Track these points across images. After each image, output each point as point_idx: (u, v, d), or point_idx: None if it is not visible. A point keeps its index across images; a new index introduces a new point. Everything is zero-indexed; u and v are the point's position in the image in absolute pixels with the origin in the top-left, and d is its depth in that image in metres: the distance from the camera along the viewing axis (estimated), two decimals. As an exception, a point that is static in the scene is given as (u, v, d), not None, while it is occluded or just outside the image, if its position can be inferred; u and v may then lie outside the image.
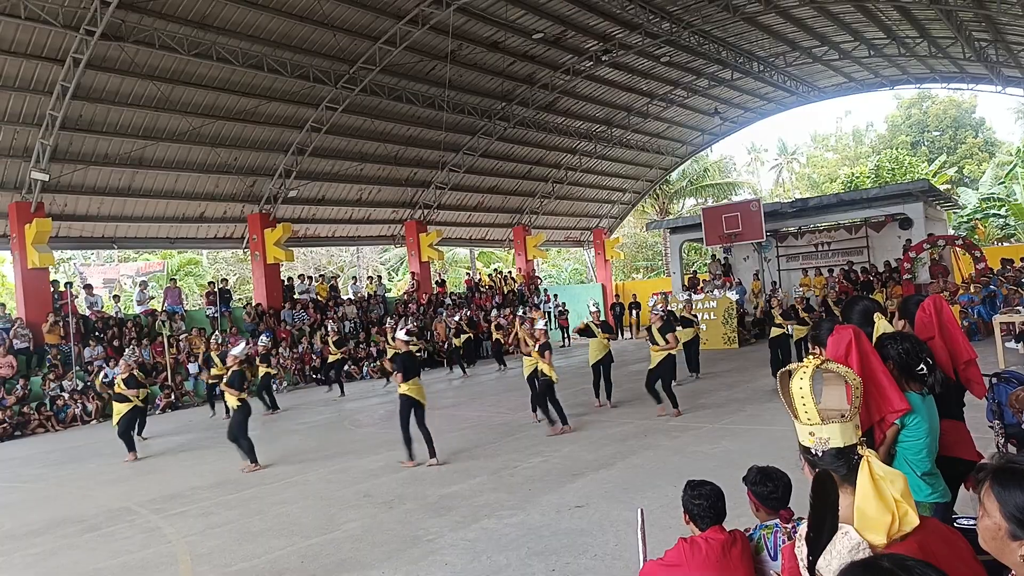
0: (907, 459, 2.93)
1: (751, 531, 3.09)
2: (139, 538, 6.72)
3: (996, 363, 11.00)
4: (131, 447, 10.81)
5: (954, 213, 30.58)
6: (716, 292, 21.97)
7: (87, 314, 18.53)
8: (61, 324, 17.15)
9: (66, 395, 15.82)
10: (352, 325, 22.15)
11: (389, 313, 23.57)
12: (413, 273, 26.67)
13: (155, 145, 18.39)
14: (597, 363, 11.53)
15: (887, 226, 22.92)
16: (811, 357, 2.18)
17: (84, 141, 17.43)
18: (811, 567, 1.87)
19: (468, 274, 32.26)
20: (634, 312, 26.40)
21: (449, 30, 18.40)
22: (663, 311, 11.02)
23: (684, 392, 12.46)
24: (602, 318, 12.28)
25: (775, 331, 12.68)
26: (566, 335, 26.53)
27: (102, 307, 19.46)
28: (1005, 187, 33.03)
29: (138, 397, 11.09)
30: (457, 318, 21.80)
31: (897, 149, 41.60)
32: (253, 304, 21.89)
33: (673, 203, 41.55)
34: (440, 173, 25.67)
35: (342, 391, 16.83)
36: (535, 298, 28.16)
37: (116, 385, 11.11)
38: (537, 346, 10.23)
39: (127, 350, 14.39)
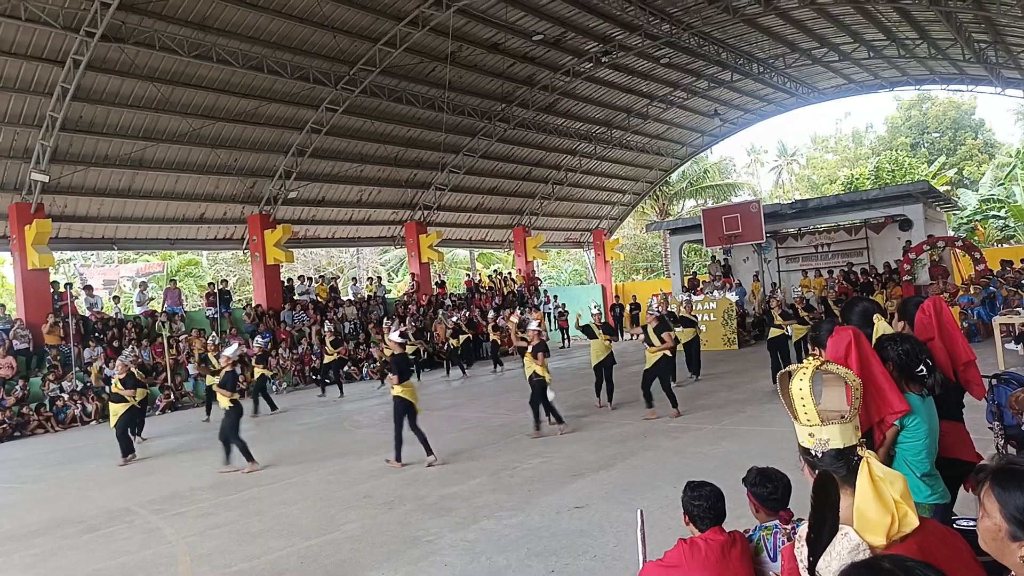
0: (906, 460, 2.93)
1: (751, 532, 3.08)
2: (139, 539, 6.72)
3: (996, 364, 11.00)
4: (126, 451, 10.67)
5: (954, 214, 30.61)
6: (716, 293, 21.97)
7: (87, 315, 18.53)
8: (61, 325, 17.15)
9: (66, 396, 15.82)
10: (352, 326, 22.15)
11: (389, 314, 23.56)
12: (413, 274, 26.67)
13: (155, 146, 18.40)
14: (599, 364, 11.52)
15: (887, 227, 22.93)
16: (811, 358, 2.18)
17: (84, 142, 17.43)
18: (811, 568, 1.87)
19: (468, 275, 32.25)
20: (634, 313, 26.43)
21: (449, 32, 18.41)
22: (658, 310, 11.03)
23: (684, 393, 12.45)
24: (603, 319, 12.25)
25: (774, 332, 12.61)
26: (566, 336, 26.54)
27: (102, 308, 19.45)
28: (1005, 188, 33.06)
29: (135, 397, 11.05)
30: (455, 319, 21.81)
31: (897, 151, 41.64)
32: (253, 305, 21.90)
33: (673, 204, 41.57)
34: (440, 174, 25.68)
35: (341, 391, 16.84)
36: (535, 299, 28.16)
37: (113, 385, 11.04)
38: (530, 347, 10.24)
39: (124, 350, 14.38)
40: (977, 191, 34.74)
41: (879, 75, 27.21)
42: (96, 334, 17.59)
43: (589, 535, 5.61)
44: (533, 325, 10.71)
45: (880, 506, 1.82)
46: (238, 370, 15.64)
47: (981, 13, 17.83)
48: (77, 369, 16.62)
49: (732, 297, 21.35)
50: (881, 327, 3.36)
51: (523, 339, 10.49)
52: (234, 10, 16.10)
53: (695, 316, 16.17)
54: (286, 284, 23.00)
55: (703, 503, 3.11)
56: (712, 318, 20.11)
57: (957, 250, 20.73)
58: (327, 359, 17.33)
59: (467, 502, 6.90)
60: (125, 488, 9.04)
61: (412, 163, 24.63)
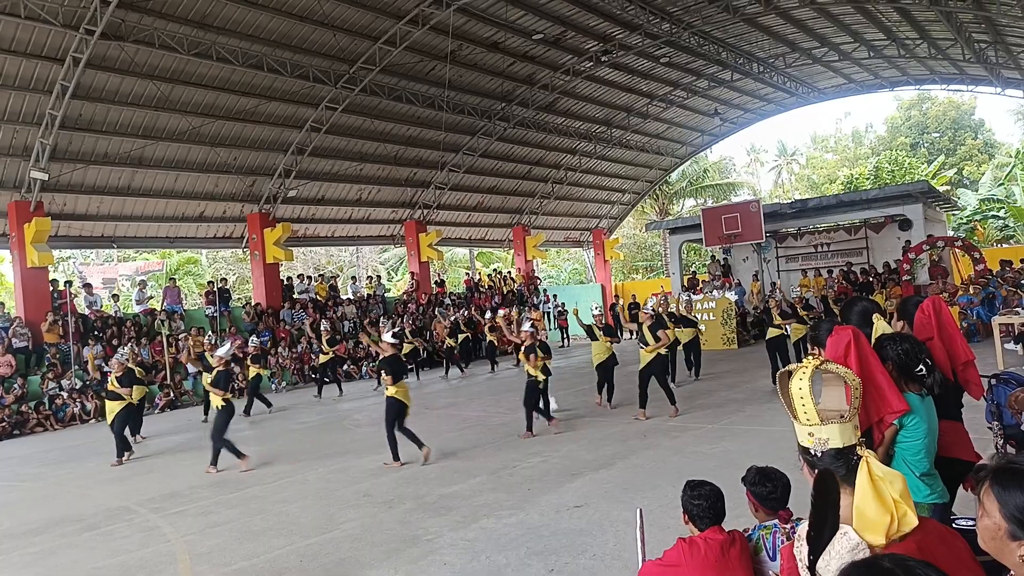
0: (905, 460, 2.93)
1: (750, 531, 3.09)
2: (138, 537, 6.72)
3: (995, 364, 11.01)
4: (121, 451, 10.59)
5: (953, 214, 30.62)
6: (715, 293, 21.98)
7: (86, 313, 18.52)
8: (60, 323, 17.15)
9: (65, 394, 15.81)
10: (351, 325, 22.15)
11: (388, 313, 23.58)
12: (412, 273, 26.68)
13: (155, 144, 18.39)
14: (600, 365, 11.50)
15: (886, 227, 22.94)
16: (810, 358, 2.18)
17: (84, 140, 17.42)
18: (811, 566, 1.87)
19: (467, 274, 32.26)
20: (633, 312, 26.38)
21: (449, 30, 18.40)
22: (653, 309, 11.04)
23: (683, 393, 12.46)
24: (604, 321, 12.19)
25: (772, 332, 12.57)
26: (565, 335, 26.56)
27: (101, 306, 19.45)
28: (1004, 188, 33.08)
29: (131, 396, 11.01)
30: (452, 318, 21.83)
31: (896, 150, 41.65)
32: (252, 304, 21.89)
33: (673, 204, 41.58)
34: (440, 173, 25.67)
35: (340, 390, 16.82)
36: (534, 298, 28.17)
37: (109, 383, 10.99)
38: (523, 348, 10.24)
39: (120, 349, 14.35)
40: (977, 191, 34.76)
41: (879, 75, 27.21)
42: (95, 332, 17.59)
43: (589, 534, 5.62)
44: (527, 326, 10.72)
45: (879, 505, 1.83)
46: (236, 369, 15.74)
47: (981, 13, 17.83)
48: (76, 367, 16.61)
49: (731, 297, 21.37)
50: (880, 327, 3.37)
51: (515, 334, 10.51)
52: (234, 8, 16.09)
53: (695, 316, 16.19)
54: (285, 283, 23.00)
55: (703, 502, 3.12)
56: (711, 317, 20.13)
57: (957, 250, 20.75)
58: (322, 359, 17.27)
59: (467, 501, 6.91)
60: (124, 486, 9.03)
61: (412, 162, 24.63)
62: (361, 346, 21.17)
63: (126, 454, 10.70)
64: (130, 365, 11.87)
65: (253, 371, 15.02)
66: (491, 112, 24.15)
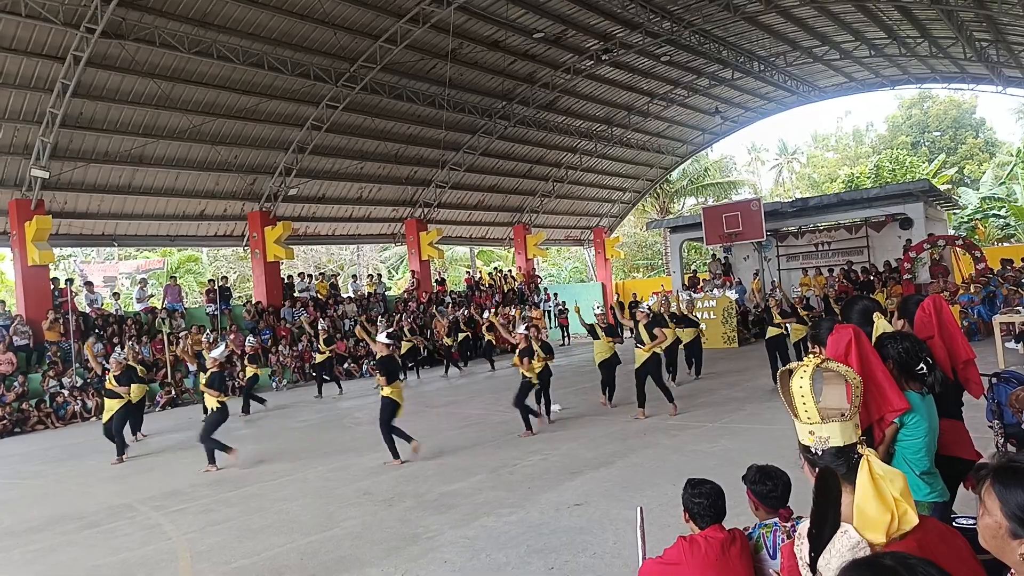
0: (906, 458, 2.93)
1: (750, 530, 3.09)
2: (139, 535, 6.72)
3: (996, 363, 11.00)
4: (122, 450, 10.57)
5: (954, 213, 30.59)
6: (716, 291, 21.98)
7: (87, 311, 18.54)
8: (61, 321, 17.16)
9: (66, 392, 15.82)
10: (352, 323, 22.15)
11: (389, 311, 23.58)
12: (413, 271, 26.67)
13: (155, 143, 18.40)
14: (602, 364, 11.46)
15: (887, 226, 22.92)
16: (811, 356, 2.18)
17: (84, 139, 17.42)
18: (812, 564, 1.87)
19: (468, 273, 32.26)
20: (632, 311, 26.39)
21: (450, 29, 18.39)
22: (650, 308, 11.04)
23: (684, 391, 12.47)
24: (607, 321, 12.16)
25: (772, 331, 12.54)
26: (566, 334, 26.56)
27: (101, 304, 19.46)
28: (1005, 187, 33.04)
29: (129, 394, 10.99)
30: (450, 317, 21.84)
31: (897, 149, 41.61)
32: (253, 302, 21.90)
33: (673, 202, 41.55)
34: (440, 172, 25.67)
35: (340, 388, 16.81)
36: (535, 297, 28.17)
37: (107, 381, 10.98)
38: (518, 351, 10.25)
39: (116, 349, 14.34)
40: (978, 190, 34.71)
41: (880, 73, 27.19)
42: (96, 330, 17.60)
43: (589, 532, 5.62)
44: (521, 328, 10.73)
45: (880, 504, 1.83)
46: (238, 366, 15.74)
47: (982, 12, 17.81)
48: (77, 365, 16.63)
49: (732, 295, 21.36)
50: (881, 325, 3.37)
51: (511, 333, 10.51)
52: (234, 6, 16.08)
53: (696, 316, 16.18)
54: (286, 281, 23.00)
55: (703, 501, 3.12)
56: (712, 316, 20.12)
57: (957, 249, 20.73)
58: (319, 358, 17.26)
59: (467, 499, 6.91)
60: (125, 484, 9.04)
61: (412, 160, 24.62)
62: (362, 344, 21.18)
63: (124, 453, 10.67)
64: (131, 363, 11.88)
65: (250, 371, 15.02)
66: (492, 111, 24.13)
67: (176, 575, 5.63)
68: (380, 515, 6.65)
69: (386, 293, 26.14)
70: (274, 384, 18.98)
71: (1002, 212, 32.26)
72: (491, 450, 9.12)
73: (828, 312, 15.15)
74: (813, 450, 2.00)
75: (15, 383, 15.45)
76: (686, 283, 25.03)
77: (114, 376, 10.80)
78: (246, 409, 14.63)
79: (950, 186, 36.40)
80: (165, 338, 18.05)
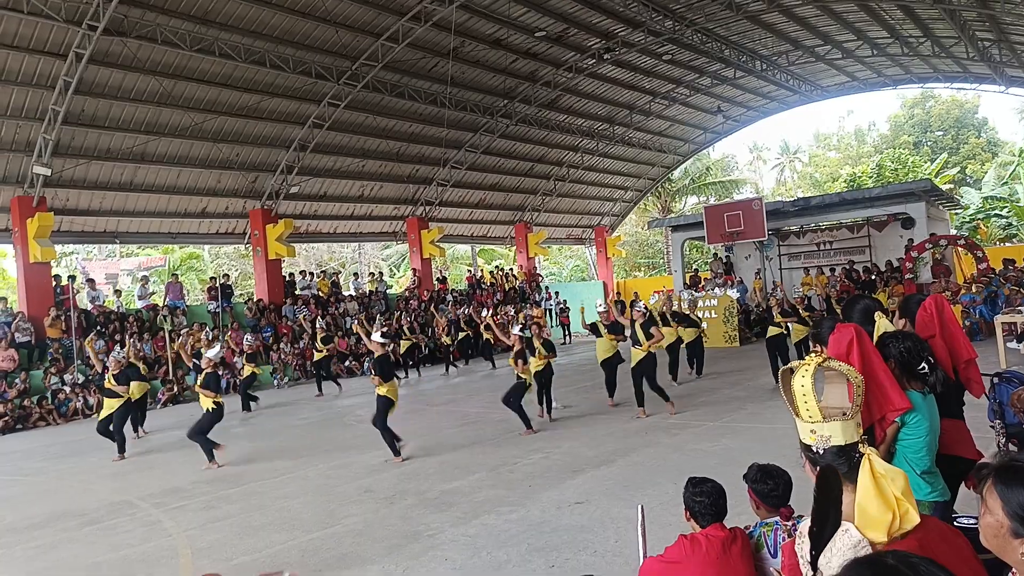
0: (907, 457, 2.93)
1: (751, 528, 3.09)
2: (140, 532, 6.74)
3: (998, 363, 11.00)
4: (123, 447, 10.58)
5: (956, 213, 30.56)
6: (717, 290, 21.97)
7: (89, 308, 18.56)
8: (63, 318, 17.17)
9: (67, 389, 15.84)
10: (356, 321, 22.15)
11: (390, 309, 23.60)
12: (414, 270, 26.68)
13: (157, 140, 18.40)
14: (604, 362, 11.42)
15: (889, 225, 22.91)
16: (813, 355, 2.18)
17: (86, 136, 17.43)
18: (813, 562, 1.87)
19: (469, 271, 32.27)
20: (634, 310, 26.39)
21: (452, 27, 18.38)
22: (646, 308, 11.04)
23: (685, 390, 12.48)
24: (609, 319, 12.12)
25: (772, 331, 12.52)
26: (567, 333, 26.57)
27: (103, 302, 19.49)
28: (1008, 187, 32.99)
29: (128, 393, 10.95)
30: (448, 316, 21.83)
31: (899, 149, 41.55)
32: (254, 299, 21.91)
33: (675, 201, 41.53)
34: (442, 170, 25.66)
35: (339, 386, 16.78)
36: (536, 295, 28.17)
37: (106, 380, 10.96)
38: (513, 352, 10.24)
39: (116, 348, 14.33)
40: (980, 190, 34.66)
41: (882, 73, 27.15)
42: (98, 327, 17.62)
43: (590, 531, 5.62)
44: (516, 329, 10.72)
45: (881, 503, 1.83)
46: (239, 363, 15.74)
47: (985, 11, 17.78)
48: (79, 362, 16.65)
49: (733, 294, 21.35)
50: (883, 325, 3.37)
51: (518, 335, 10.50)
52: (236, 4, 16.07)
53: (698, 315, 16.18)
54: (287, 279, 23.01)
55: (705, 499, 3.12)
56: (713, 315, 20.12)
57: (959, 249, 20.70)
58: (318, 356, 17.25)
59: (468, 497, 6.91)
60: (126, 481, 9.05)
61: (414, 159, 24.61)
62: (363, 342, 21.19)
63: (122, 453, 10.65)
64: (132, 360, 11.89)
65: (248, 369, 15.02)
66: (493, 109, 24.13)
67: (177, 572, 5.64)
68: (381, 513, 6.66)
69: (387, 291, 26.16)
70: (276, 382, 19.01)
71: (1004, 212, 32.22)
72: (492, 448, 9.13)
73: (830, 312, 15.14)
74: (814, 449, 2.00)
75: (17, 380, 15.47)
76: (687, 282, 25.03)
77: (113, 375, 10.78)
78: (246, 407, 14.65)
79: (952, 186, 36.35)
80: (167, 335, 18.07)
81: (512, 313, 22.62)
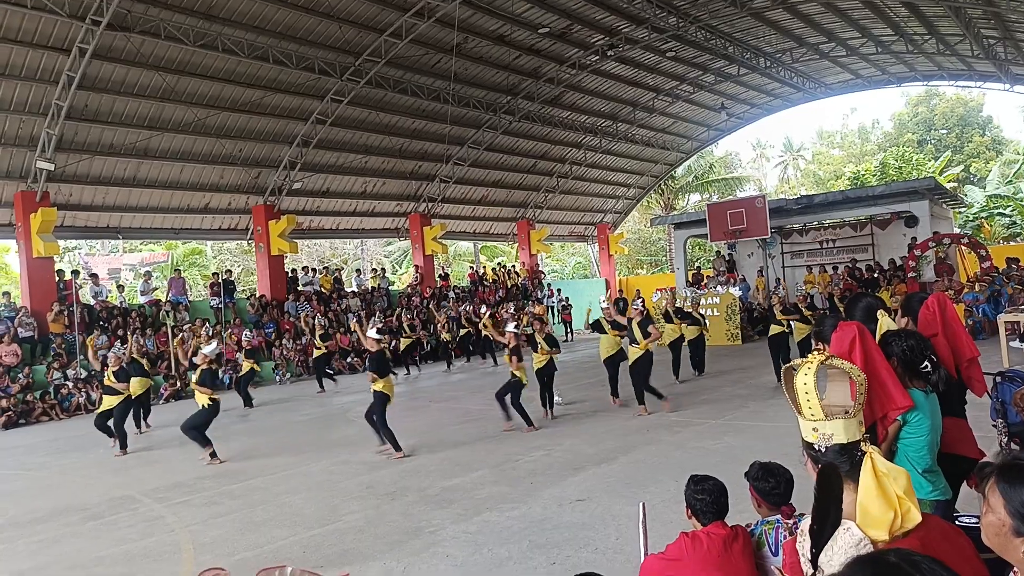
0: (908, 456, 2.92)
1: (752, 527, 3.09)
2: (142, 526, 6.75)
3: (1000, 362, 11.00)
4: (124, 443, 10.59)
5: (960, 211, 30.49)
6: (719, 288, 21.95)
7: (91, 303, 18.59)
8: (65, 313, 17.20)
9: (70, 384, 15.88)
10: (356, 316, 22.16)
11: (393, 306, 23.60)
12: (417, 266, 26.68)
13: (160, 135, 18.40)
14: (608, 359, 11.40)
15: (892, 224, 22.86)
16: (815, 353, 2.17)
17: (89, 131, 17.45)
18: (814, 560, 1.87)
19: (472, 268, 32.28)
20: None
21: (455, 23, 18.35)
22: (642, 306, 11.03)
23: (687, 388, 12.48)
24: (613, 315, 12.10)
25: (775, 329, 12.50)
26: (569, 330, 26.57)
27: (106, 297, 19.52)
28: (1012, 186, 32.92)
29: (128, 390, 10.94)
30: (447, 313, 21.84)
31: (903, 147, 41.44)
32: (257, 295, 21.94)
33: (678, 198, 41.48)
34: (445, 166, 25.65)
35: (321, 385, 16.62)
36: (538, 293, 28.17)
37: (106, 378, 10.95)
38: (507, 349, 10.25)
39: (116, 344, 14.33)
40: (984, 188, 34.57)
41: (887, 70, 27.06)
42: (101, 323, 17.65)
43: (591, 528, 5.63)
44: (510, 327, 10.73)
45: (883, 501, 1.82)
46: (240, 360, 15.75)
47: (990, 9, 17.71)
48: (82, 357, 16.68)
49: (736, 292, 21.33)
50: (885, 323, 3.36)
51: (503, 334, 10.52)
52: (239, 0, 16.08)
53: (701, 313, 16.17)
54: (290, 275, 23.04)
55: (706, 497, 3.11)
56: (716, 313, 20.11)
57: (963, 247, 20.63)
58: (316, 353, 17.24)
59: (469, 494, 6.92)
60: (128, 476, 9.08)
61: (417, 155, 24.61)
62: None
63: (113, 440, 10.66)
64: (135, 356, 11.90)
65: (247, 365, 15.01)
66: (496, 105, 24.10)
67: (179, 567, 5.65)
68: (383, 509, 6.67)
69: (390, 287, 26.18)
70: (278, 378, 19.03)
71: (1008, 211, 32.15)
72: (493, 445, 9.13)
73: (832, 310, 15.11)
74: (817, 447, 2.00)
75: (20, 375, 15.52)
76: (690, 280, 25.01)
77: (113, 372, 10.77)
78: (248, 403, 14.66)
79: (956, 184, 36.26)
80: (169, 331, 18.10)
81: (512, 310, 22.61)
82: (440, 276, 27.65)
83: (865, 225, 23.71)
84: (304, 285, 23.04)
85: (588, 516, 5.92)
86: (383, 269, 28.68)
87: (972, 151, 43.49)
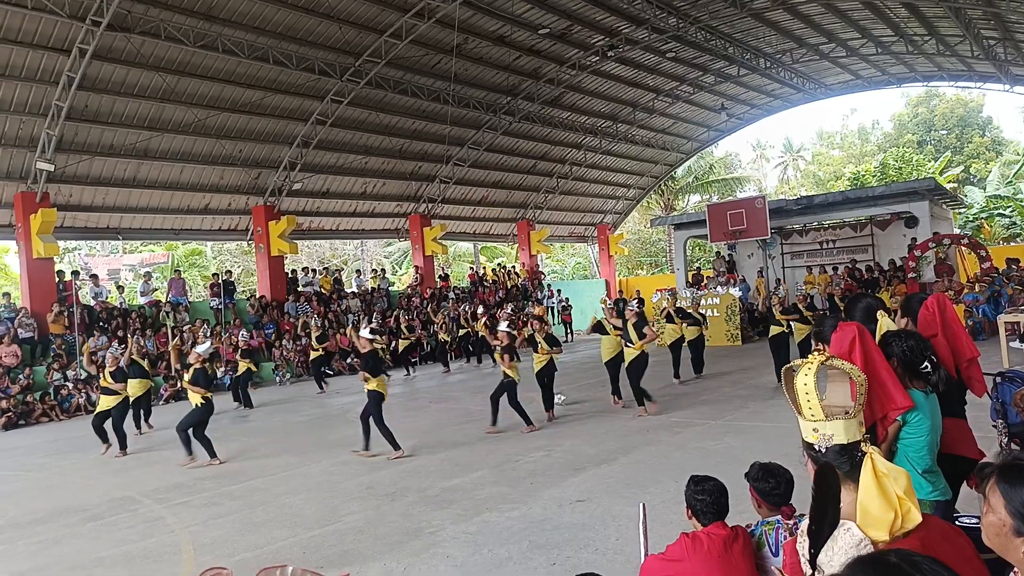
0: (908, 456, 2.92)
1: (753, 527, 3.09)
2: (142, 527, 6.75)
3: (1000, 362, 10.99)
4: (124, 443, 10.58)
5: (960, 212, 30.51)
6: (719, 289, 21.95)
7: (91, 304, 18.59)
8: (65, 314, 17.20)
9: (70, 384, 15.88)
10: (355, 318, 22.16)
11: (393, 306, 23.59)
12: (417, 267, 26.68)
13: (160, 136, 18.41)
14: (609, 361, 11.39)
15: (892, 224, 22.87)
16: (815, 354, 2.18)
17: (89, 132, 17.45)
18: (813, 560, 1.87)
19: (472, 268, 32.28)
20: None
21: (455, 24, 18.36)
22: (639, 307, 11.04)
23: (687, 389, 12.48)
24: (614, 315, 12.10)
25: (775, 329, 12.49)
26: (569, 331, 26.56)
27: (106, 298, 19.51)
28: (1012, 186, 32.92)
29: (125, 390, 10.91)
30: (445, 313, 21.85)
31: (903, 147, 41.45)
32: (257, 296, 21.94)
33: (678, 199, 41.49)
34: (445, 167, 25.65)
35: (321, 386, 16.57)
36: (538, 293, 28.16)
37: (103, 378, 10.92)
38: (500, 348, 10.25)
39: (113, 344, 14.33)
40: (984, 189, 34.58)
41: (887, 71, 27.07)
42: (100, 323, 17.65)
43: (591, 528, 5.63)
44: (503, 326, 10.74)
45: (883, 502, 1.82)
46: (240, 360, 15.74)
47: (990, 9, 17.72)
48: (81, 358, 16.67)
49: (736, 293, 21.33)
50: (885, 323, 3.36)
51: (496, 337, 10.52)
52: (239, 0, 16.07)
53: (701, 313, 16.17)
54: (290, 275, 23.04)
55: (706, 497, 3.11)
56: (716, 314, 20.11)
57: (963, 248, 20.64)
58: (313, 355, 17.22)
59: (469, 494, 6.92)
60: (128, 477, 9.08)
61: (417, 156, 24.61)
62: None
63: (105, 446, 10.63)
64: (135, 357, 11.89)
65: (243, 366, 15.01)
66: (497, 106, 24.11)
67: (179, 567, 5.65)
68: (383, 510, 6.67)
69: (390, 288, 26.18)
70: (278, 378, 19.03)
71: (1008, 211, 32.16)
72: (493, 446, 9.13)
73: (832, 310, 15.10)
74: (817, 447, 2.00)
75: (20, 376, 15.52)
76: (690, 280, 25.01)
77: (110, 372, 10.75)
78: (248, 403, 14.66)
79: (956, 185, 36.27)
80: (169, 332, 18.09)
81: (510, 311, 22.61)
82: (440, 277, 27.65)
83: (865, 226, 23.71)
84: (304, 286, 23.04)
85: (588, 517, 5.92)
86: (383, 270, 28.69)
87: (972, 152, 43.50)
